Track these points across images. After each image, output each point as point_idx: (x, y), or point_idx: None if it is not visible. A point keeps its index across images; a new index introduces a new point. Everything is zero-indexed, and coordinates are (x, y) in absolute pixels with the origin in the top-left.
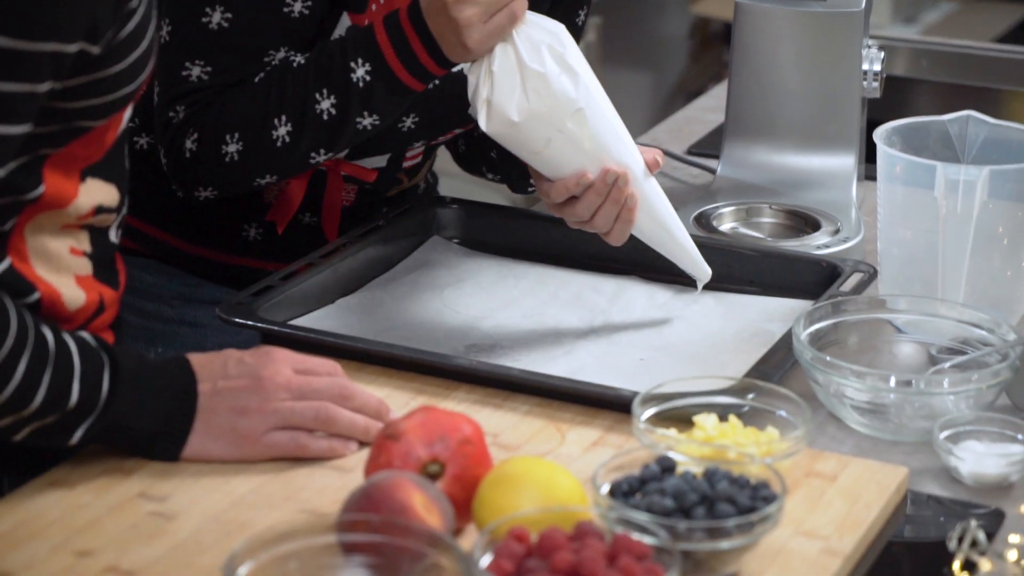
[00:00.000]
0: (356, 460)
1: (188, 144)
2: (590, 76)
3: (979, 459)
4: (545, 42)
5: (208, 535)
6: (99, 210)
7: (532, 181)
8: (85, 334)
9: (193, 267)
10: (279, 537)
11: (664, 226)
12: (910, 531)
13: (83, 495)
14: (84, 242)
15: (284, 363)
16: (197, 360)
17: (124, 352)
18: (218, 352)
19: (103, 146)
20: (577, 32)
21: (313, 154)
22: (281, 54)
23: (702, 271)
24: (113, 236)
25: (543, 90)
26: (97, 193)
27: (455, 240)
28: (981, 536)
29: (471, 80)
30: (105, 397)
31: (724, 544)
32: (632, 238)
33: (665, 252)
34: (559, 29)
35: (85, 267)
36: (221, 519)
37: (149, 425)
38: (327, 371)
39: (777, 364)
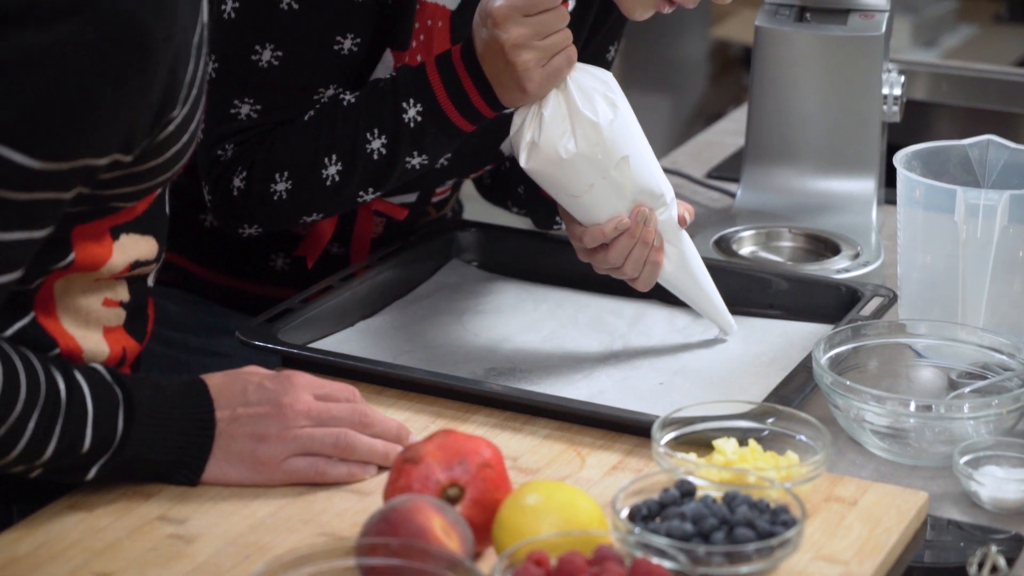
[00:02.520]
0: (375, 483)
1: (236, 182)
2: (636, 125)
3: (999, 484)
4: (598, 90)
5: (227, 558)
6: (135, 265)
7: (562, 223)
8: (101, 368)
9: (219, 297)
10: (298, 560)
11: (693, 277)
12: (930, 556)
13: (102, 518)
14: (121, 292)
15: (304, 389)
16: (215, 384)
17: (139, 383)
18: (237, 374)
19: (135, 214)
20: (607, 66)
21: (361, 193)
22: (330, 91)
23: (727, 324)
24: (150, 281)
25: (593, 137)
26: (132, 250)
27: (474, 263)
28: (1001, 561)
29: (516, 120)
30: (120, 436)
31: (744, 569)
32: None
33: (693, 303)
34: (608, 77)
35: (118, 317)
36: (240, 542)
37: (166, 456)
38: (346, 396)
39: (797, 388)
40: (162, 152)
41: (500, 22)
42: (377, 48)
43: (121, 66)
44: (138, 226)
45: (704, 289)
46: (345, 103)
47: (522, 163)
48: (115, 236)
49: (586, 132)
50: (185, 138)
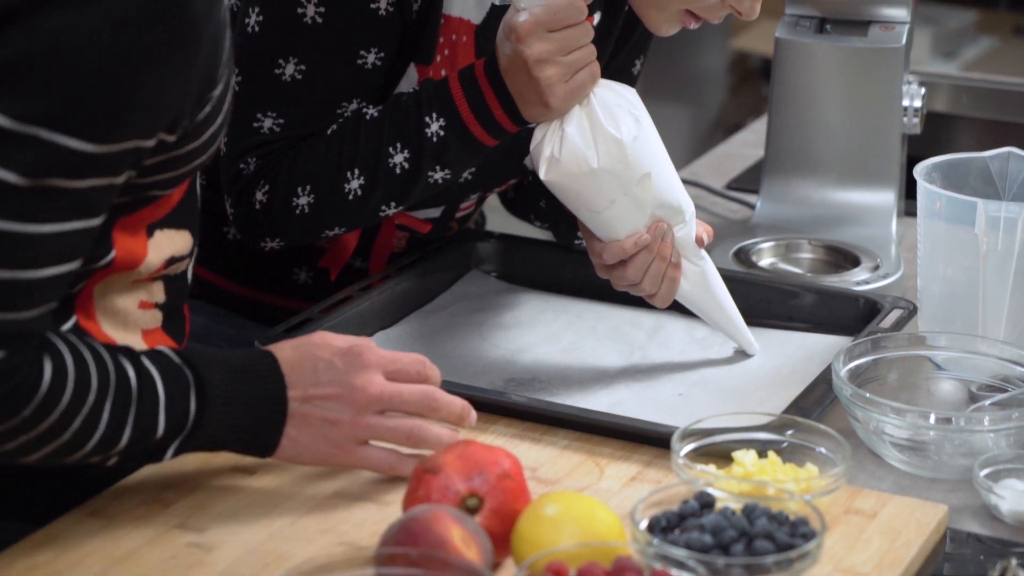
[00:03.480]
0: (395, 493)
1: (258, 196)
2: (658, 142)
3: (1019, 497)
4: (622, 106)
5: (246, 567)
6: (171, 261)
7: (582, 239)
8: (167, 351)
9: (242, 309)
10: (317, 570)
11: (713, 296)
12: (949, 569)
13: (122, 526)
14: (157, 293)
15: (375, 368)
16: (286, 360)
17: (208, 361)
18: (307, 347)
19: (171, 205)
20: (632, 81)
21: (384, 207)
22: (353, 105)
23: (749, 344)
24: (189, 274)
25: (616, 154)
26: (168, 246)
27: (494, 274)
28: (1021, 574)
29: (537, 134)
30: (193, 418)
31: None
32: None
33: (713, 323)
34: (632, 94)
35: (155, 320)
36: (259, 551)
37: (239, 434)
38: (416, 371)
39: (816, 400)
40: (200, 134)
41: (524, 37)
42: (401, 62)
43: (166, 41)
44: (172, 220)
45: (725, 309)
46: (368, 117)
47: (541, 175)
48: (150, 233)
49: (609, 148)
50: (219, 120)
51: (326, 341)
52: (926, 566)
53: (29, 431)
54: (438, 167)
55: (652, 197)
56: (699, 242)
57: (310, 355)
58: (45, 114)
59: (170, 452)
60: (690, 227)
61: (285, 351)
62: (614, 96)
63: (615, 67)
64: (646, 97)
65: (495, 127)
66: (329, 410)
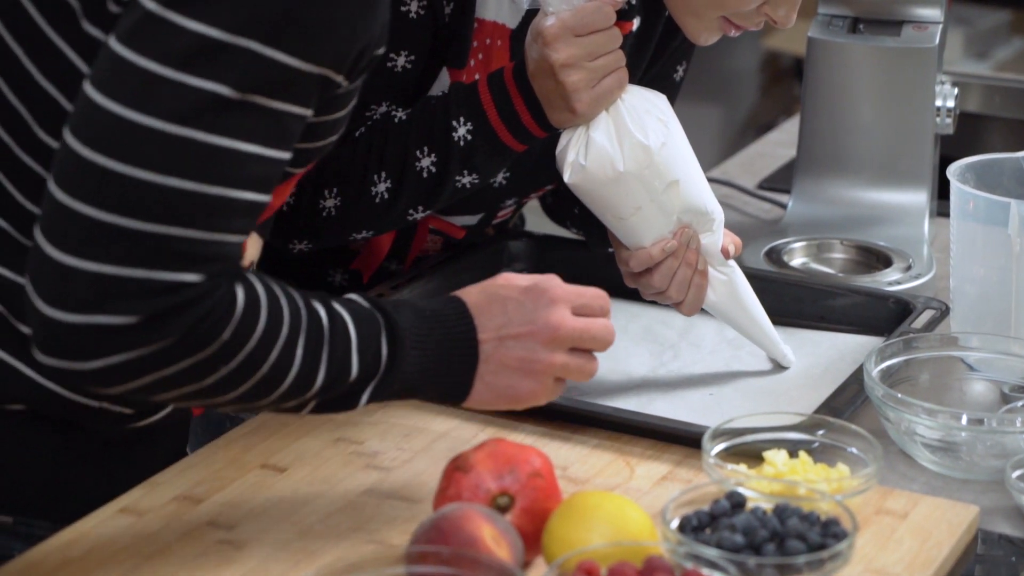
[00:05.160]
0: (425, 491)
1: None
2: (688, 148)
3: None
4: (651, 113)
5: (276, 565)
6: (250, 266)
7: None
8: (356, 297)
9: None
10: (347, 568)
11: (743, 307)
12: (980, 571)
13: (153, 522)
14: None
15: (563, 304)
16: (474, 304)
17: (398, 307)
18: (493, 288)
19: (283, 197)
20: (674, 87)
21: (411, 211)
22: (383, 108)
23: (782, 355)
24: None
25: (643, 160)
26: (253, 249)
27: (525, 273)
28: None
29: (562, 140)
30: (386, 360)
31: None
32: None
33: (745, 335)
34: (661, 100)
35: None
36: (289, 549)
37: (432, 378)
38: (599, 305)
39: (848, 400)
40: (346, 104)
41: (550, 41)
42: (434, 66)
43: None
44: (261, 226)
45: (756, 320)
46: (396, 120)
47: (566, 179)
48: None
49: (636, 154)
50: (356, 96)
51: (510, 281)
52: (957, 567)
53: (229, 360)
54: (465, 172)
55: (680, 205)
56: (724, 253)
57: (497, 296)
58: (256, 25)
59: (364, 398)
60: (717, 235)
61: (471, 295)
62: (643, 102)
63: (655, 73)
64: (678, 96)
65: (523, 132)
66: (524, 348)
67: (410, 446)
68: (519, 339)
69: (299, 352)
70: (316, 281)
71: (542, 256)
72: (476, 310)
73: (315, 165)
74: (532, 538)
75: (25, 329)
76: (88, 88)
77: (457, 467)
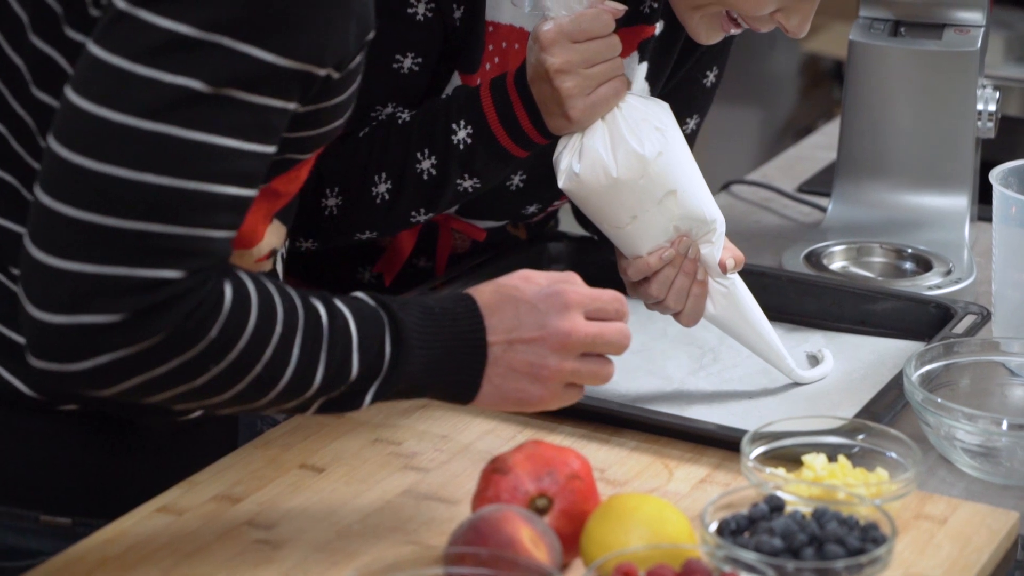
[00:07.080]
0: (463, 493)
1: None
2: (688, 157)
3: None
4: (648, 121)
5: (314, 565)
6: (272, 253)
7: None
8: (362, 295)
9: None
10: (386, 569)
11: (746, 320)
12: None
13: (191, 522)
14: None
15: (577, 308)
16: (486, 304)
17: (405, 305)
18: (507, 288)
19: (298, 183)
20: (704, 92)
21: (413, 213)
22: (388, 110)
23: (789, 371)
24: (279, 269)
25: (637, 169)
26: (274, 237)
27: None
28: None
29: (559, 146)
30: (389, 359)
31: None
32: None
33: (749, 347)
34: (662, 109)
35: None
36: (327, 549)
37: (438, 377)
38: (615, 309)
39: (888, 405)
40: (347, 87)
41: (547, 46)
42: (445, 69)
43: None
44: (282, 214)
45: (761, 334)
46: (400, 122)
47: (560, 185)
48: (271, 220)
49: (630, 163)
50: (359, 78)
51: (528, 280)
52: (996, 573)
53: (219, 359)
54: (466, 175)
55: (678, 215)
56: (722, 267)
57: (510, 297)
58: (228, 22)
59: (368, 397)
60: (717, 246)
61: (484, 294)
62: (641, 111)
63: (682, 77)
64: (717, 100)
65: (522, 137)
66: (534, 354)
67: (448, 447)
68: (529, 344)
69: (295, 351)
70: (346, 278)
71: (581, 258)
72: (487, 310)
73: (317, 165)
74: (570, 540)
75: None
76: (67, 90)
77: (495, 469)
